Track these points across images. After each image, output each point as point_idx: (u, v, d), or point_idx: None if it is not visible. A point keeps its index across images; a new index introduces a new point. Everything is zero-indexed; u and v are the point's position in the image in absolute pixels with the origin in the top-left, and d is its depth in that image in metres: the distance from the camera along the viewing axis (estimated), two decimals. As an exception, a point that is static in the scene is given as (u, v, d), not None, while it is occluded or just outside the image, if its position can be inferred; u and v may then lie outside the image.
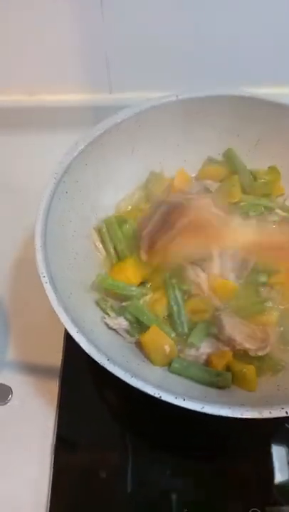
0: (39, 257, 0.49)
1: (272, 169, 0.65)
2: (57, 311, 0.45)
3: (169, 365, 0.52)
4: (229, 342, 0.54)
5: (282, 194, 0.64)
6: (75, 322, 0.46)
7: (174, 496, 0.54)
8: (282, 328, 0.56)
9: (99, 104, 0.79)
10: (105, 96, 0.80)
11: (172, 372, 0.51)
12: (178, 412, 0.41)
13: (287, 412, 0.40)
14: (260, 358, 0.53)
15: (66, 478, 0.56)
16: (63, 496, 0.55)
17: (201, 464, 0.56)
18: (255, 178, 0.65)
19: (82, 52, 0.74)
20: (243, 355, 0.53)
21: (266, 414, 0.40)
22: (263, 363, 0.53)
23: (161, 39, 0.71)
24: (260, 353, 0.53)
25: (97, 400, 0.61)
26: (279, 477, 0.54)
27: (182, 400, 0.41)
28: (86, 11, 0.68)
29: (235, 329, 0.54)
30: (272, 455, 0.56)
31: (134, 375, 0.42)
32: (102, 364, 0.43)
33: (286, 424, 0.59)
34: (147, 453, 0.57)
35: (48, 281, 0.48)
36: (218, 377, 0.51)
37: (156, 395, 0.41)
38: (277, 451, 0.56)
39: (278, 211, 0.63)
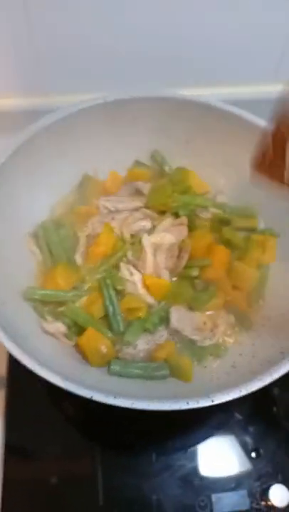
0: None
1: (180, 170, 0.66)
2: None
3: (107, 364, 0.52)
4: (176, 334, 0.56)
5: (207, 192, 0.66)
6: (6, 330, 0.45)
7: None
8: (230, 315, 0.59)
9: (32, 108, 0.78)
10: (38, 99, 0.79)
11: (111, 374, 0.51)
12: (130, 412, 0.42)
13: (212, 401, 0.42)
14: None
15: (18, 489, 0.55)
16: (15, 509, 0.54)
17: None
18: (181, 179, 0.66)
19: (11, 55, 0.73)
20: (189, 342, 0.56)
21: (193, 404, 0.42)
22: (206, 349, 0.56)
23: (90, 39, 0.71)
24: (207, 343, 0.56)
25: (48, 405, 0.61)
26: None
27: (112, 397, 0.42)
28: (9, 11, 0.66)
29: (182, 322, 0.56)
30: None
31: (67, 378, 0.43)
32: (32, 370, 0.43)
33: (236, 414, 0.62)
34: (110, 458, 0.57)
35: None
36: (156, 371, 0.52)
37: (88, 396, 0.42)
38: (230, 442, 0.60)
39: (211, 209, 0.65)
